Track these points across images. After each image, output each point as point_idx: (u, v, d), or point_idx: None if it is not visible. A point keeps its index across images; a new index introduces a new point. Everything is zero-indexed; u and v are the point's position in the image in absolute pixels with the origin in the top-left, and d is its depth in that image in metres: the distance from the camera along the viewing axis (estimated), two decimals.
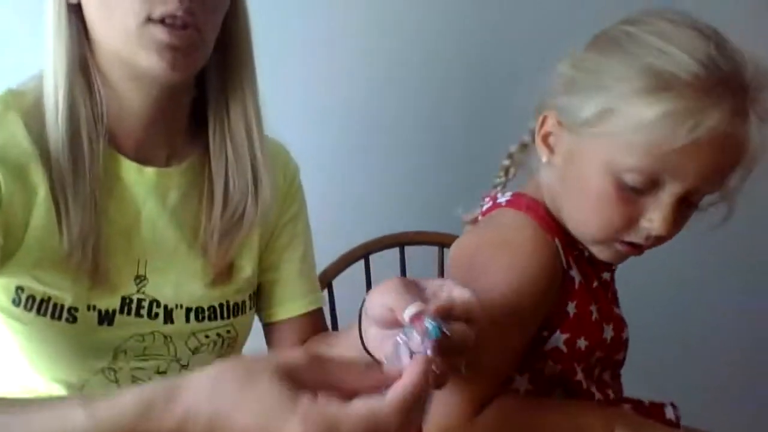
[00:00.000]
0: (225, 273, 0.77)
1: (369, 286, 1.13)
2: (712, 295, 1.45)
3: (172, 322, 0.73)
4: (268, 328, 0.86)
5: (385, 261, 1.13)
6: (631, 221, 0.65)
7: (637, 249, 0.67)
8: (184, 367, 0.77)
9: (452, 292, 0.52)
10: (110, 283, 0.70)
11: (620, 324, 0.77)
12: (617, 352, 0.77)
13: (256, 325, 0.84)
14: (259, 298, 0.85)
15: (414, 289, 0.53)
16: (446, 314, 0.50)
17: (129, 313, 0.71)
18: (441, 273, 1.17)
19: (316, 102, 1.27)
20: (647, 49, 0.62)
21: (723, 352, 1.49)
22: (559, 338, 0.70)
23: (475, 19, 1.33)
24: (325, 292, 1.10)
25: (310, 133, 1.19)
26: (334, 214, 1.17)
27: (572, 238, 0.71)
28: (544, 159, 0.70)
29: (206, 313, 0.76)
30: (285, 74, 1.29)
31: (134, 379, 0.74)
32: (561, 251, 0.70)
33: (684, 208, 0.65)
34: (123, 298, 0.71)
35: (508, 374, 0.71)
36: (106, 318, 0.70)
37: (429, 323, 0.48)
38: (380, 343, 0.57)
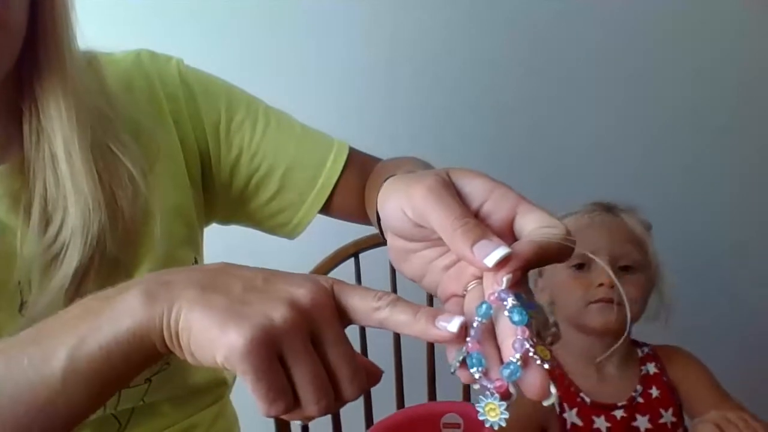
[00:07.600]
0: None
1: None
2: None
3: None
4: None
5: (375, 259, 1.11)
6: (588, 286, 0.96)
7: (605, 301, 0.95)
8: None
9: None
10: None
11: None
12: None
13: None
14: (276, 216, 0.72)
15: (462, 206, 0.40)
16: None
17: None
18: None
19: (310, 104, 1.26)
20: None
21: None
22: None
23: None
24: None
25: None
26: None
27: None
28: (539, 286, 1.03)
29: None
30: (285, 77, 1.28)
31: None
32: None
33: (624, 273, 0.98)
34: None
35: None
36: None
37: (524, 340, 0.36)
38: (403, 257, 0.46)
